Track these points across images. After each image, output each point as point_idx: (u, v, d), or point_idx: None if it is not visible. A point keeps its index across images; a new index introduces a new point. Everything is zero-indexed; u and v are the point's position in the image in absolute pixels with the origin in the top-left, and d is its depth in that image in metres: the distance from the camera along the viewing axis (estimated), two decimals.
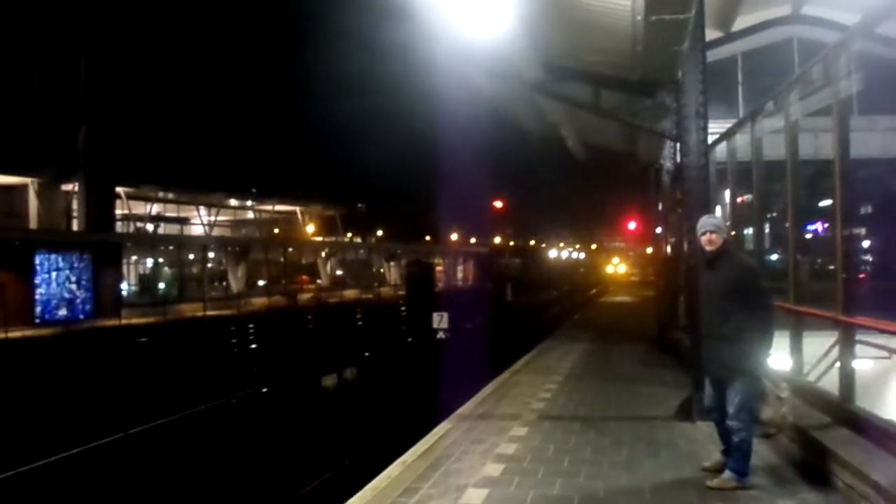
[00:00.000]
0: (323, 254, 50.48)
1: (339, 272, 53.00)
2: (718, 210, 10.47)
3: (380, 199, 66.80)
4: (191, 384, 16.56)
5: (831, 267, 6.59)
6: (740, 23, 13.83)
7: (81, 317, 27.66)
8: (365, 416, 14.22)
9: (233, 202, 45.51)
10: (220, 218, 45.05)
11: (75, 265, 28.02)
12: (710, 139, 8.26)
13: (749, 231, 10.57)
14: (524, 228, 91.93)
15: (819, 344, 6.82)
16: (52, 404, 14.26)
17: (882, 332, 5.97)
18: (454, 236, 76.37)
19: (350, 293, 46.87)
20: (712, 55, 10.50)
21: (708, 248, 5.42)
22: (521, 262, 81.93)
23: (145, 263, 39.64)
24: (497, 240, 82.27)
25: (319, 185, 57.80)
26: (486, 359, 15.02)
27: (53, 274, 27.17)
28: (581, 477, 5.58)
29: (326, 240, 53.66)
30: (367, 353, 22.70)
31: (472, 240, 79.64)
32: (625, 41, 8.31)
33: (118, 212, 34.58)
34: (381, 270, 57.50)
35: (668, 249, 17.54)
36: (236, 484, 10.40)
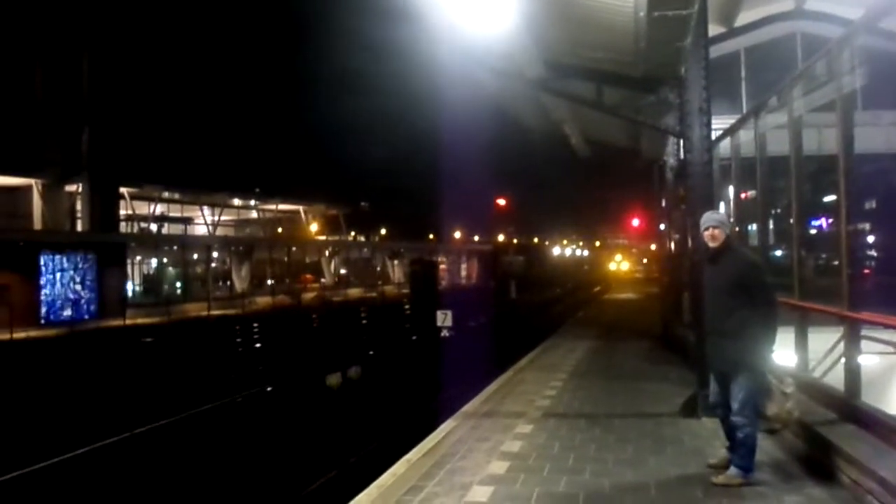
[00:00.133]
0: (326, 253, 50.54)
1: (342, 271, 53.04)
2: (722, 206, 10.46)
3: (383, 197, 66.93)
4: (196, 383, 16.59)
5: (836, 263, 6.56)
6: (743, 18, 13.79)
7: (86, 317, 27.75)
8: (370, 415, 14.24)
9: (236, 202, 45.60)
10: (223, 217, 45.09)
11: (80, 266, 28.11)
12: (714, 135, 8.24)
13: (753, 227, 10.55)
14: (527, 226, 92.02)
15: (824, 340, 6.81)
16: (58, 404, 14.31)
17: (887, 327, 5.97)
18: (457, 234, 76.40)
19: (354, 292, 46.91)
20: (715, 51, 10.47)
21: (711, 243, 5.41)
22: (524, 260, 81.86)
23: (149, 263, 39.69)
24: (500, 237, 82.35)
25: (322, 184, 57.98)
26: (491, 357, 15.06)
27: (58, 275, 27.27)
28: (586, 474, 5.58)
29: (330, 239, 53.70)
30: (371, 352, 22.72)
31: (476, 238, 79.70)
32: (627, 38, 8.30)
33: (122, 212, 34.68)
34: (385, 269, 57.52)
35: (672, 246, 17.51)
36: (243, 482, 10.43)
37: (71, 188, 32.27)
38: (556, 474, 5.57)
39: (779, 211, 13.43)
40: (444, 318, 16.85)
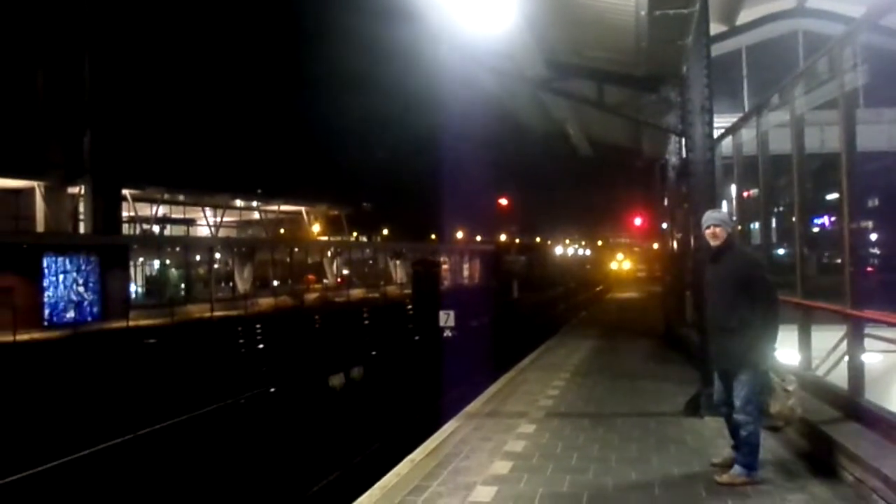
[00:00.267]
0: (329, 254, 50.55)
1: (345, 271, 53.07)
2: (724, 205, 10.44)
3: (385, 198, 66.85)
4: (199, 385, 16.62)
5: (839, 261, 6.56)
6: (744, 16, 13.76)
7: (89, 319, 27.81)
8: (373, 415, 14.25)
9: (238, 203, 45.61)
10: (225, 219, 45.11)
11: (83, 268, 28.16)
12: (716, 134, 8.23)
13: (756, 226, 10.54)
14: (529, 225, 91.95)
15: (828, 338, 6.81)
16: (62, 406, 14.34)
17: (891, 325, 5.96)
18: (459, 234, 76.38)
19: (356, 292, 46.92)
20: (717, 49, 10.47)
21: (713, 242, 5.42)
22: (526, 260, 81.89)
23: (152, 265, 39.73)
24: (502, 237, 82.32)
25: (324, 184, 57.98)
26: (493, 356, 15.06)
27: (61, 277, 27.31)
28: (590, 473, 5.57)
29: (332, 239, 53.72)
30: (373, 352, 22.74)
31: (478, 237, 79.67)
32: (628, 37, 8.29)
33: (124, 214, 34.71)
34: (387, 269, 57.52)
35: (675, 245, 17.50)
36: (246, 483, 10.44)
37: (73, 190, 32.29)
38: (559, 474, 5.57)
39: (781, 209, 13.41)
40: (446, 319, 16.86)
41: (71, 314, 27.26)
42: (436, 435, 7.10)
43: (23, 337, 22.10)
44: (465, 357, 15.09)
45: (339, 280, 50.46)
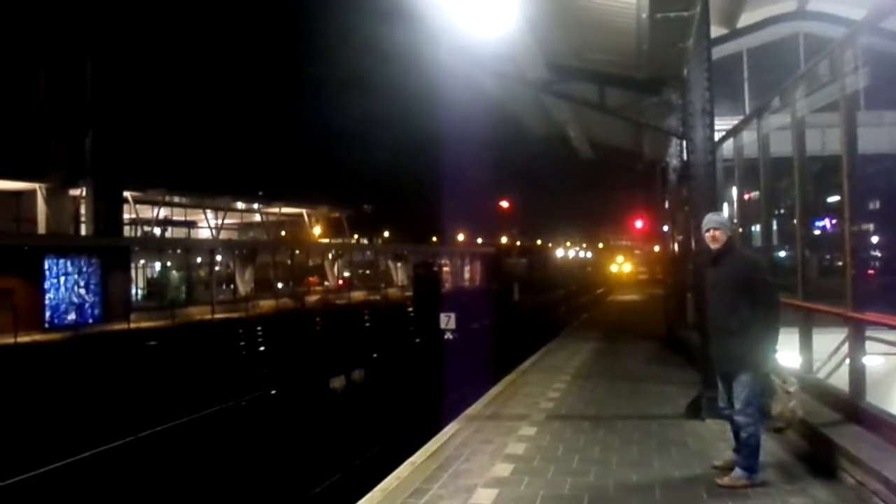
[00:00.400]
0: (330, 256, 50.56)
1: (346, 274, 53.11)
2: (725, 207, 10.44)
3: (386, 200, 66.94)
4: (200, 387, 16.62)
5: (840, 263, 6.56)
6: (745, 19, 13.77)
7: (90, 321, 27.83)
8: (373, 418, 14.25)
9: (239, 205, 45.69)
10: (227, 221, 45.18)
11: (84, 270, 28.19)
12: (717, 136, 8.24)
13: (757, 228, 10.53)
14: (530, 228, 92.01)
15: (829, 341, 6.80)
16: (63, 408, 14.34)
17: (892, 328, 5.95)
18: (461, 237, 76.39)
19: (357, 294, 46.94)
20: (717, 52, 10.48)
21: (712, 245, 5.43)
22: (527, 262, 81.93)
23: (153, 267, 39.75)
24: (503, 240, 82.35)
25: (325, 186, 57.93)
26: (494, 359, 15.05)
27: (62, 279, 27.33)
28: (591, 476, 5.57)
29: (333, 242, 53.75)
30: (374, 355, 22.73)
31: (479, 240, 79.68)
32: (630, 39, 8.30)
33: (126, 216, 34.76)
34: (388, 272, 57.54)
35: (676, 247, 17.49)
36: (247, 486, 10.44)
37: (75, 192, 32.34)
38: (560, 476, 5.57)
39: (782, 212, 13.40)
40: (447, 321, 16.85)
41: (72, 316, 27.28)
42: (437, 437, 7.10)
43: (24, 339, 22.13)
44: (465, 359, 15.07)
45: (340, 282, 50.46)
